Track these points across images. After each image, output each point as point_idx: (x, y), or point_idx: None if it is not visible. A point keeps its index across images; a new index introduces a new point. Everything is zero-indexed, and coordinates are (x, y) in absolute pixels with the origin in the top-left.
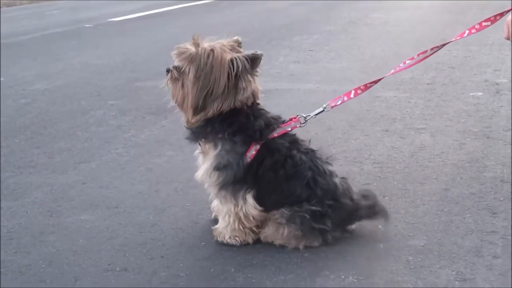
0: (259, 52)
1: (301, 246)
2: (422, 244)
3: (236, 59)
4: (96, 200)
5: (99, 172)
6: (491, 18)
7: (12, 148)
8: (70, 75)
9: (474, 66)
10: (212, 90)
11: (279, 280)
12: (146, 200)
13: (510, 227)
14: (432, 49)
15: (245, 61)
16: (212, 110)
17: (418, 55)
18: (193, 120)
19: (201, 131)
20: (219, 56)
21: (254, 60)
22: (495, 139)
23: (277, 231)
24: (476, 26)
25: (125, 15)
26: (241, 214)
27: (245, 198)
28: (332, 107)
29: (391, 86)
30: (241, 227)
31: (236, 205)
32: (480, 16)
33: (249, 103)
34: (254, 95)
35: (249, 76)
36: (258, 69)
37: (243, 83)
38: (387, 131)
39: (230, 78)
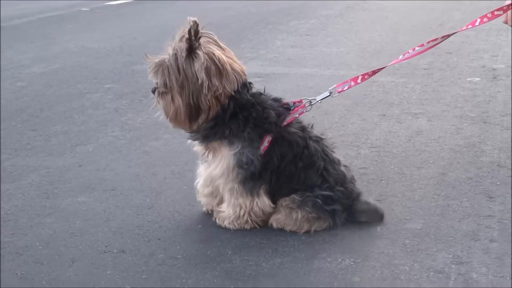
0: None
1: (312, 230)
2: (419, 228)
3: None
4: (93, 182)
5: (96, 155)
6: (504, 8)
7: (8, 130)
8: (66, 59)
9: (471, 51)
10: (197, 88)
11: (276, 262)
12: (143, 183)
13: (506, 211)
14: (443, 37)
15: (182, 45)
16: (210, 107)
17: (428, 42)
18: (194, 127)
19: (213, 133)
20: (182, 52)
21: (189, 35)
22: (492, 124)
23: (290, 216)
24: (488, 15)
25: None
26: (256, 209)
27: (260, 194)
28: (339, 92)
29: (388, 71)
30: (249, 219)
31: (252, 201)
32: (477, 4)
33: (240, 84)
34: (236, 74)
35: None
36: (208, 36)
37: (195, 61)
38: (384, 115)
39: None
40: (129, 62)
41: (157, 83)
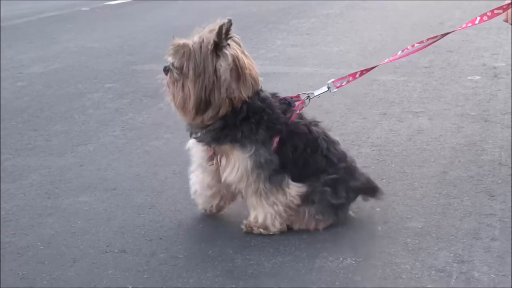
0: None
1: (320, 227)
2: (420, 227)
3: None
4: (94, 182)
5: (97, 155)
6: (503, 6)
7: (9, 130)
8: (66, 58)
9: (472, 49)
10: (214, 83)
11: (278, 261)
12: (144, 182)
13: (507, 209)
14: (442, 34)
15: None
16: (221, 105)
17: (428, 39)
18: (198, 120)
19: (223, 135)
20: (209, 44)
21: (220, 31)
22: (493, 122)
23: (297, 212)
24: (488, 13)
25: None
26: (291, 199)
27: (289, 184)
28: (337, 87)
29: (389, 69)
30: (285, 214)
31: (284, 194)
32: (477, 2)
33: (254, 92)
34: (253, 80)
35: (224, 49)
36: (233, 39)
37: (221, 59)
38: (385, 114)
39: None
40: (130, 61)
41: (172, 64)
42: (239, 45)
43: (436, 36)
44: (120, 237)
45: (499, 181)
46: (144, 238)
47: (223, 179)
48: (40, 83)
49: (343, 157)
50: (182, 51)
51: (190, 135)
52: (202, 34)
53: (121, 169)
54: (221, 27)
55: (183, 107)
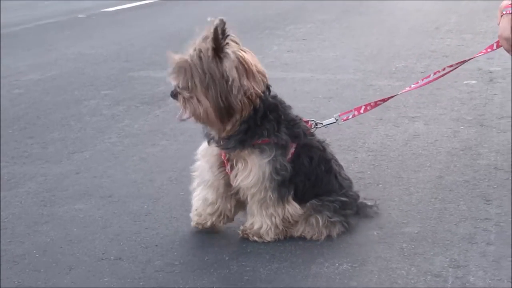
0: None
1: (334, 234)
2: (416, 231)
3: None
4: (90, 189)
5: (93, 162)
6: None
7: (5, 138)
8: (63, 66)
9: (468, 54)
10: (225, 87)
11: (273, 268)
12: (140, 189)
13: (503, 214)
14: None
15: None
16: (242, 107)
17: (435, 73)
18: (228, 128)
19: (249, 136)
20: (208, 52)
21: (216, 34)
22: (489, 126)
23: (307, 222)
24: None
25: (119, 5)
26: (287, 215)
27: (289, 201)
28: (344, 120)
29: (385, 74)
30: (282, 226)
31: (283, 208)
32: (473, 5)
33: (265, 86)
34: (261, 75)
35: (225, 51)
36: (230, 38)
37: (225, 60)
38: (381, 119)
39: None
40: (126, 68)
41: (178, 86)
42: (237, 43)
43: (444, 68)
44: (116, 244)
45: (495, 186)
46: (140, 245)
47: (235, 184)
48: (37, 91)
49: (350, 184)
50: (183, 69)
51: (209, 143)
52: (196, 45)
53: (117, 176)
54: (216, 30)
55: (208, 120)
